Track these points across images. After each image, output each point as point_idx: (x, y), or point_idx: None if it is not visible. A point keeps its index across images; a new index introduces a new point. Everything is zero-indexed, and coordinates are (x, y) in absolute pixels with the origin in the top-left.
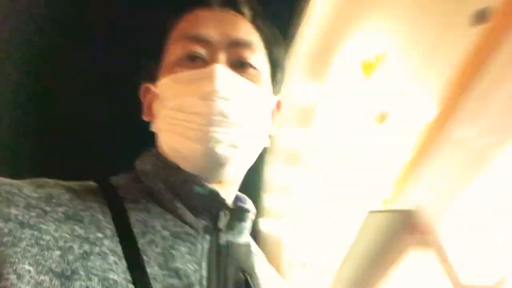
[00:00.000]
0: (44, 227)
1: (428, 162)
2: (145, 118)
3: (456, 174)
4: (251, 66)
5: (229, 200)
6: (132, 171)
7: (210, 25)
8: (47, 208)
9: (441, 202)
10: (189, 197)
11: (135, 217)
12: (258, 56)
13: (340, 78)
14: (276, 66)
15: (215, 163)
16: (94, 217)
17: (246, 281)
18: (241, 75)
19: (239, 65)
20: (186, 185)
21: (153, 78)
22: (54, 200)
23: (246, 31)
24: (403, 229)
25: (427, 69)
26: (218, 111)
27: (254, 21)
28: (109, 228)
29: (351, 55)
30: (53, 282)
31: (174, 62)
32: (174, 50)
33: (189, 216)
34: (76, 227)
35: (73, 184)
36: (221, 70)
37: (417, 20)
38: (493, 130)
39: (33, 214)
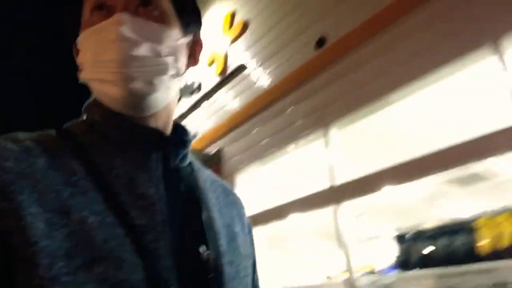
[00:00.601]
0: (36, 176)
1: (249, 122)
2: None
3: (272, 141)
4: (155, 7)
5: (169, 128)
6: (82, 118)
7: None
8: (32, 160)
9: (250, 157)
10: (139, 138)
11: (100, 158)
12: None
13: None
14: (180, 8)
15: (135, 99)
16: (67, 163)
17: (194, 195)
18: (146, 18)
19: (143, 7)
20: (135, 130)
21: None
22: (33, 153)
23: None
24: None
25: (274, 54)
26: (126, 54)
27: None
28: (81, 170)
29: (217, 9)
30: (58, 217)
31: (87, 17)
32: (85, 6)
33: (143, 152)
34: (57, 173)
35: (38, 136)
36: (123, 17)
37: (278, 14)
38: (310, 117)
39: (24, 166)
